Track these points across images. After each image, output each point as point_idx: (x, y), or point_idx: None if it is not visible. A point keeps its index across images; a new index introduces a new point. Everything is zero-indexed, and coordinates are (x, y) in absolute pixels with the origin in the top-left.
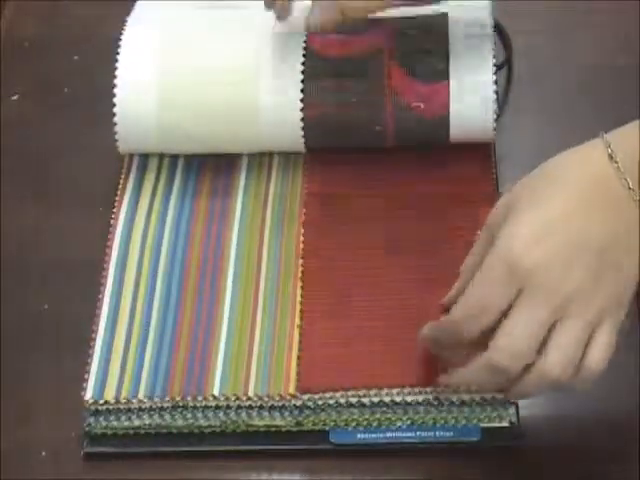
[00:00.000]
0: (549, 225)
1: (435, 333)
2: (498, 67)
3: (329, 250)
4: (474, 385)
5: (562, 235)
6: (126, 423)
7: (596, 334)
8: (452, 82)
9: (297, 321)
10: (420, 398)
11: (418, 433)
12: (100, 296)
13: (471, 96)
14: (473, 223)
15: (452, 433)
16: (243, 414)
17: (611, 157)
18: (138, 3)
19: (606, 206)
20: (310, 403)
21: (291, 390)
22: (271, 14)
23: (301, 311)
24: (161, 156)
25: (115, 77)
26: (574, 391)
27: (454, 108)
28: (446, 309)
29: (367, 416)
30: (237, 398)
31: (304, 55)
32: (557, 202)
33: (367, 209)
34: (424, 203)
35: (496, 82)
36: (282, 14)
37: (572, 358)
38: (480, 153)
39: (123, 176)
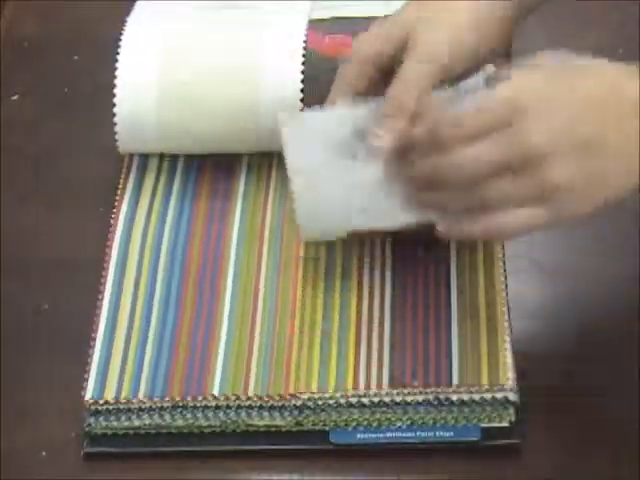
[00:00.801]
0: (557, 92)
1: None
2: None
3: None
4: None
5: (566, 107)
6: (126, 423)
7: (537, 205)
8: None
9: (297, 322)
10: (420, 398)
11: (418, 433)
12: (100, 296)
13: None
14: None
15: (452, 433)
16: (243, 414)
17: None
18: (138, 3)
19: (615, 110)
20: (310, 403)
21: (291, 390)
22: (270, 11)
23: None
24: (161, 156)
25: (115, 77)
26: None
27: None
28: None
29: (367, 416)
30: (237, 398)
31: (304, 55)
32: (579, 79)
33: None
34: None
35: None
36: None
37: (505, 200)
38: None
39: (123, 176)
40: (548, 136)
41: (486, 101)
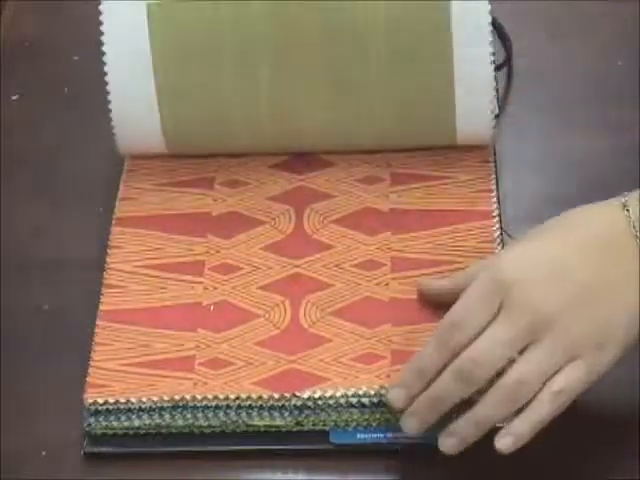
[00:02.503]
0: (542, 251)
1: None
2: (498, 67)
3: None
4: (441, 399)
5: (552, 262)
6: (126, 423)
7: (567, 366)
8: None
9: None
10: None
11: None
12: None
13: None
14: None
15: None
16: (243, 414)
17: (624, 205)
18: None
19: (608, 250)
20: (310, 403)
21: None
22: None
23: None
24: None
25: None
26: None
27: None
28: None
29: (367, 416)
30: (237, 397)
31: None
32: (556, 237)
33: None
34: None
35: (496, 82)
36: None
37: (534, 378)
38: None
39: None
40: (551, 304)
41: (471, 292)
